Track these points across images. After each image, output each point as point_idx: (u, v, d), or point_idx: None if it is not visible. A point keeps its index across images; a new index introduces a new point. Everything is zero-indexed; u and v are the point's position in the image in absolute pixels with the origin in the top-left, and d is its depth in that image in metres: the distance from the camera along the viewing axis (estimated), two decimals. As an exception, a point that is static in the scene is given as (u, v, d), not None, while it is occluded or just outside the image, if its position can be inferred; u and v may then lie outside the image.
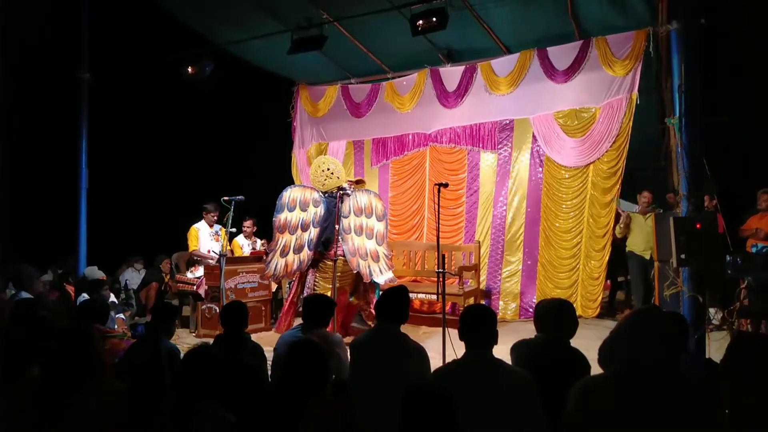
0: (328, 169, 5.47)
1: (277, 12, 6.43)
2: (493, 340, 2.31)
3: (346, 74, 8.17)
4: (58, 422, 2.11)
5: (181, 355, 3.16)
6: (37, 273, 5.84)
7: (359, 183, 5.94)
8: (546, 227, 6.69)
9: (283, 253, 5.28)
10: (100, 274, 6.36)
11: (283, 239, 5.30)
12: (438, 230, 4.85)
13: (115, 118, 8.52)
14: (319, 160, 5.68)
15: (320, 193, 5.44)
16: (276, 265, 5.29)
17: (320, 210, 5.34)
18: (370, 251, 5.41)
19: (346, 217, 5.33)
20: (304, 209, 5.33)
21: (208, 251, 6.31)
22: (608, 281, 7.15)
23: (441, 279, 4.38)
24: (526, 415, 2.11)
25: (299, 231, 5.29)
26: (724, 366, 1.81)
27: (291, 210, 5.30)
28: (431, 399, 1.70)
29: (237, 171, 9.23)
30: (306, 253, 5.29)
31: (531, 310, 6.47)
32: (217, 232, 6.54)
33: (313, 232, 5.29)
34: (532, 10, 6.13)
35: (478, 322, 2.32)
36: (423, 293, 6.30)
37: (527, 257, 6.80)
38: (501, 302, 6.84)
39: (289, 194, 5.35)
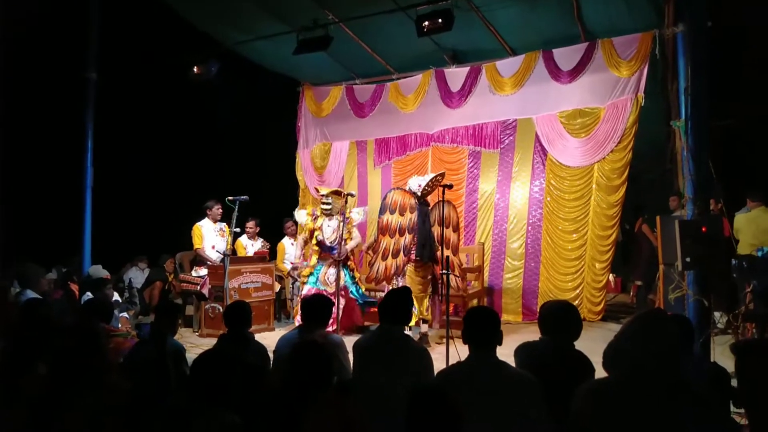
0: (432, 180, 5.38)
1: (282, 13, 6.45)
2: (497, 341, 2.30)
3: (351, 75, 8.18)
4: (63, 419, 2.12)
5: (186, 354, 3.18)
6: (42, 271, 5.85)
7: (339, 195, 5.90)
8: (549, 228, 6.66)
9: (384, 256, 5.31)
10: (104, 273, 6.36)
11: (385, 242, 5.33)
12: (442, 232, 4.85)
13: (120, 117, 8.54)
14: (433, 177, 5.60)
15: (416, 200, 5.44)
16: (378, 268, 5.32)
17: (414, 216, 5.35)
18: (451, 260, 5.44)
19: (432, 226, 5.37)
20: (402, 213, 5.34)
21: (213, 247, 6.31)
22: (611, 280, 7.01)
23: (445, 280, 4.39)
24: (531, 416, 2.10)
25: (397, 235, 5.31)
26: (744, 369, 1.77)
27: (392, 212, 5.32)
28: (438, 401, 1.70)
29: (241, 171, 9.24)
30: (401, 259, 5.29)
31: (535, 312, 6.45)
32: (222, 228, 6.54)
33: (408, 238, 5.30)
34: (538, 13, 6.13)
35: (481, 324, 2.32)
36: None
37: (530, 259, 6.77)
38: (504, 304, 6.82)
39: (392, 196, 5.36)
